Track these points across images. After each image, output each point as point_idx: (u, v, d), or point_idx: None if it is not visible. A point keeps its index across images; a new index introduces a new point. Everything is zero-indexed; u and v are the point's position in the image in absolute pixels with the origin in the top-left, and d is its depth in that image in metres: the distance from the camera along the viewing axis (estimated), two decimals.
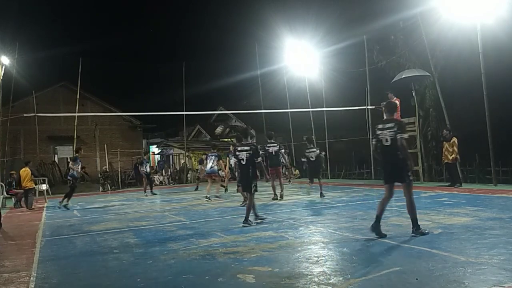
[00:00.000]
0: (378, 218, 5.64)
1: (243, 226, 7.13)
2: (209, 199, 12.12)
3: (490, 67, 12.42)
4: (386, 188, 5.76)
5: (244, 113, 25.29)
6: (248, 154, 7.38)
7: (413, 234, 5.57)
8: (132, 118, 26.95)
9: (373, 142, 5.99)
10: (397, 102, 13.25)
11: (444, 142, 12.24)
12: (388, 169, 5.72)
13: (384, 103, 7.85)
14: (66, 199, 12.18)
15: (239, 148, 7.59)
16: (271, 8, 31.76)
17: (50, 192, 16.76)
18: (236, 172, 10.68)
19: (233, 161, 8.27)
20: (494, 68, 13.47)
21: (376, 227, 5.61)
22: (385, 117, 6.19)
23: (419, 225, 5.63)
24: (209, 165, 12.74)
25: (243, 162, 7.43)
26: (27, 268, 5.10)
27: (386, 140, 5.56)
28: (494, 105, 12.54)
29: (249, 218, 7.34)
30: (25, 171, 13.20)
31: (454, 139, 11.88)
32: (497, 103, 13.61)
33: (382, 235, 5.57)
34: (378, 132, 5.73)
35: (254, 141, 27.25)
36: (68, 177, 12.82)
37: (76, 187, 12.57)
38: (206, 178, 13.64)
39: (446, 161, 12.24)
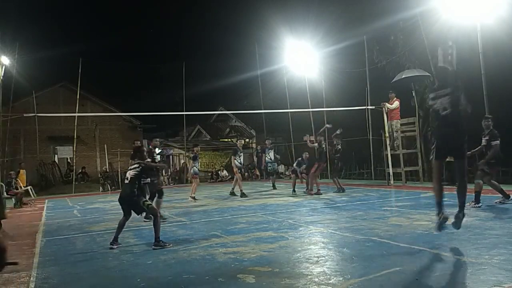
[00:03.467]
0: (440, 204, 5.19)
1: (154, 249, 5.87)
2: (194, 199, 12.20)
3: (490, 67, 12.40)
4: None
5: (244, 113, 25.31)
6: (135, 173, 6.26)
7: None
8: (132, 118, 26.90)
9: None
10: (397, 102, 13.31)
11: None
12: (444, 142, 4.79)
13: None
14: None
15: (131, 167, 6.47)
16: (271, 8, 31.57)
17: (34, 193, 16.90)
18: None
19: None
20: (494, 68, 13.43)
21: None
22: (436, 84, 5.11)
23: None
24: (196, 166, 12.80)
25: (126, 181, 6.33)
26: (27, 268, 5.10)
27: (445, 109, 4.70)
28: (494, 105, 12.52)
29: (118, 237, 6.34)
30: (23, 175, 15.00)
31: None
32: (497, 103, 13.58)
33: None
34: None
35: (255, 141, 27.35)
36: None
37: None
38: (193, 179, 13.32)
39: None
